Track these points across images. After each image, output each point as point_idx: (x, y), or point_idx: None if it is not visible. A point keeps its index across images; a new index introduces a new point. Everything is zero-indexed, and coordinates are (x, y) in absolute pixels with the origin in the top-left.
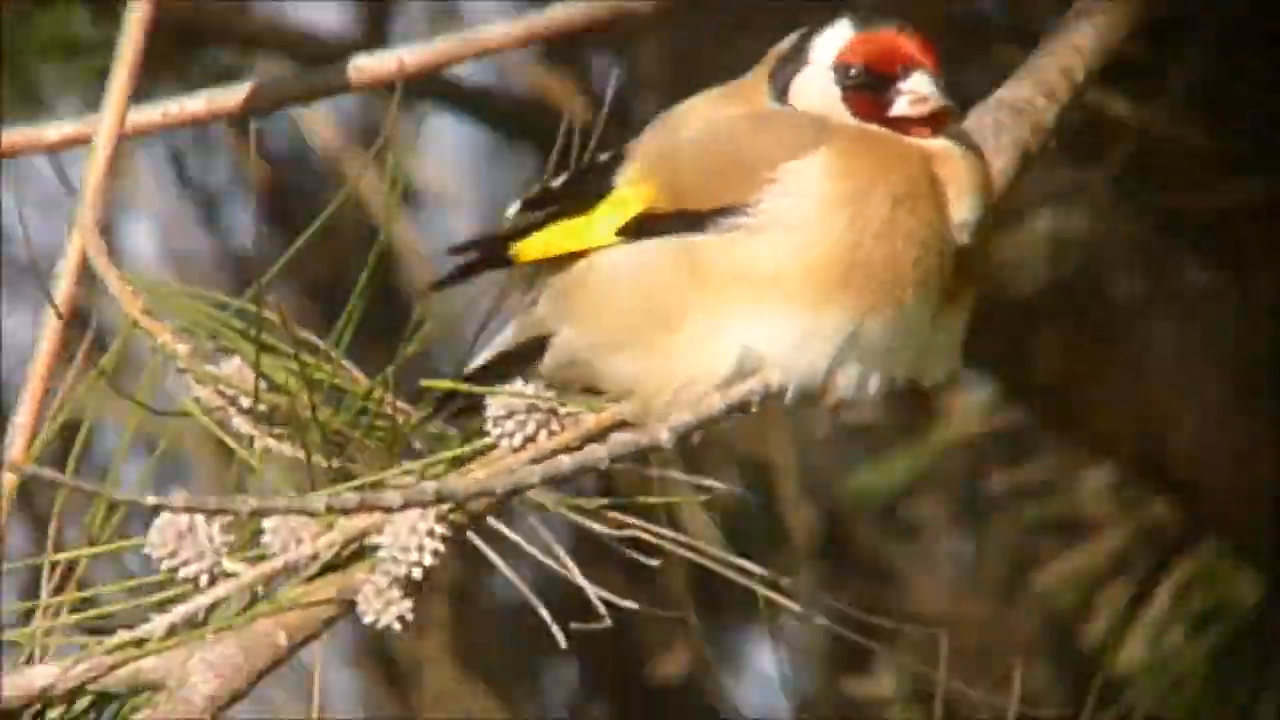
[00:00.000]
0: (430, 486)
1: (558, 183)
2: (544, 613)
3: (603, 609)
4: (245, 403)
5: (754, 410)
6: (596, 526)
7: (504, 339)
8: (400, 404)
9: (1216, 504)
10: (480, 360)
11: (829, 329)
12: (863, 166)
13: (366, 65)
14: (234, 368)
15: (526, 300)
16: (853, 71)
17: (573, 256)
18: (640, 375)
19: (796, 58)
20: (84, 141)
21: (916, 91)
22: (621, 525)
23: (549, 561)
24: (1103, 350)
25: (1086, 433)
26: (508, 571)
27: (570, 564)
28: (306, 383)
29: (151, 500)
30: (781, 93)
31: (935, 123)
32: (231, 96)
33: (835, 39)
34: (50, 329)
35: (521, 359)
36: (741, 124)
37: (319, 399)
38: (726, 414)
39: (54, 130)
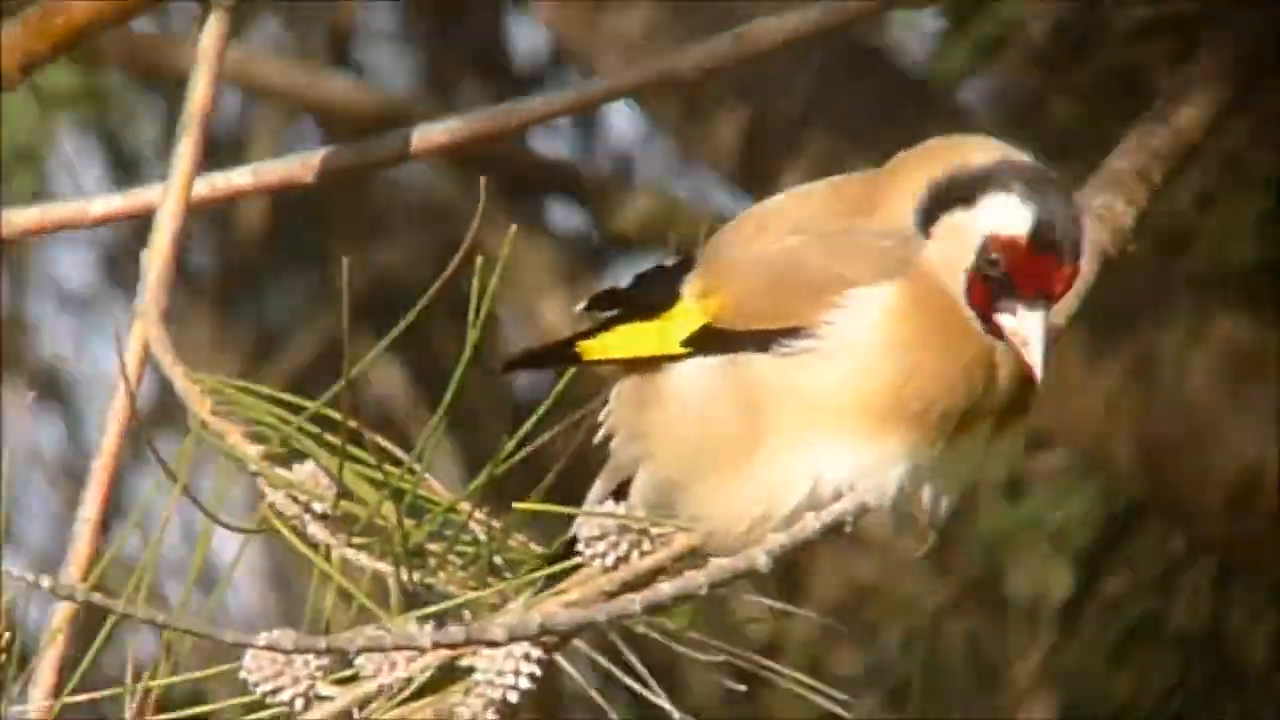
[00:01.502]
0: (535, 621)
1: (624, 284)
2: None
3: None
4: (320, 508)
5: (848, 530)
6: (684, 650)
7: (595, 494)
8: (482, 517)
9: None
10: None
11: (890, 456)
12: (927, 313)
13: (420, 136)
14: (308, 472)
15: (600, 429)
16: (993, 261)
17: (639, 367)
18: (715, 506)
19: (960, 196)
20: (129, 217)
21: (1024, 334)
22: (706, 648)
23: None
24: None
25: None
26: (599, 699)
27: (659, 690)
28: (391, 496)
29: (261, 641)
30: (926, 220)
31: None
32: (281, 168)
33: (1005, 218)
34: (113, 429)
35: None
36: (818, 244)
37: (400, 511)
38: (821, 535)
39: (99, 204)
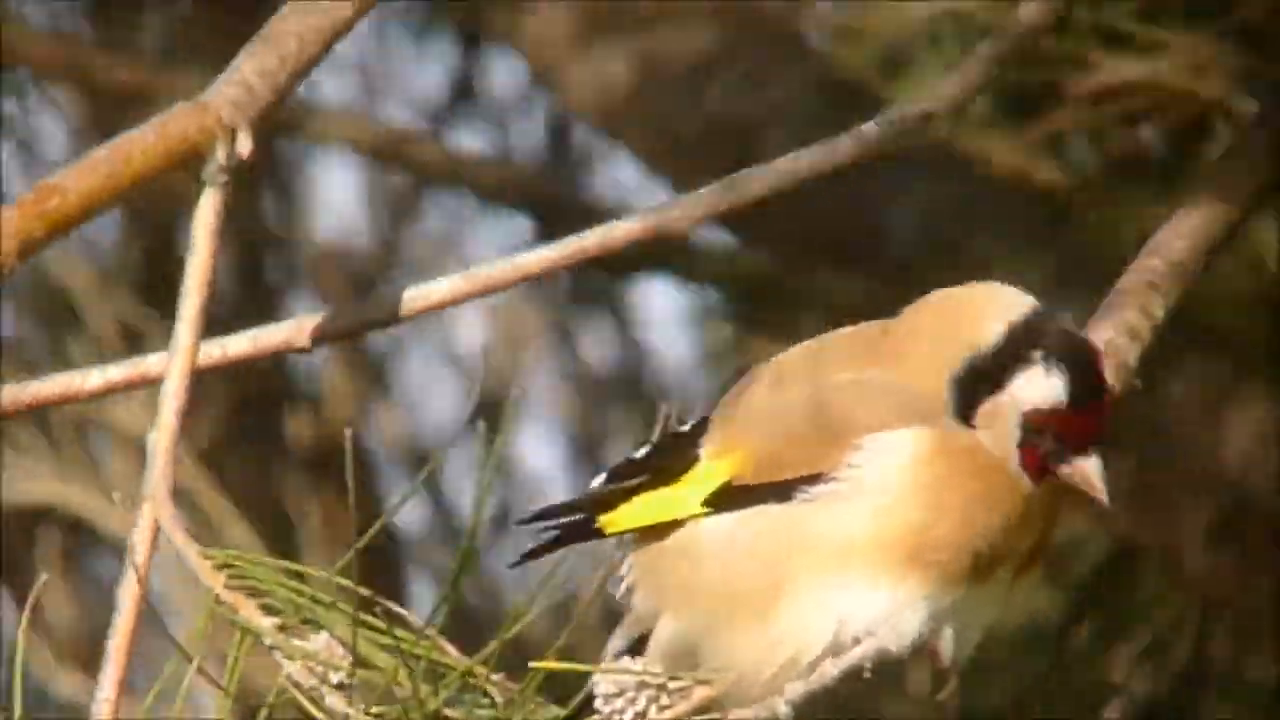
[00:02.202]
0: None
1: (641, 453)
2: None
3: None
4: (336, 678)
5: (866, 677)
6: None
7: (612, 648)
8: (498, 680)
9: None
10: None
11: (912, 598)
12: (952, 457)
13: (417, 295)
14: (323, 642)
15: (621, 587)
16: (1040, 432)
17: (661, 529)
18: (740, 656)
19: (991, 377)
20: (129, 388)
21: (1089, 478)
22: None
23: None
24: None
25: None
26: None
27: None
28: (406, 662)
29: None
30: (966, 406)
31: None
32: (278, 334)
33: (1038, 392)
34: (128, 604)
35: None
36: (839, 393)
37: (417, 677)
38: (841, 682)
39: (96, 377)
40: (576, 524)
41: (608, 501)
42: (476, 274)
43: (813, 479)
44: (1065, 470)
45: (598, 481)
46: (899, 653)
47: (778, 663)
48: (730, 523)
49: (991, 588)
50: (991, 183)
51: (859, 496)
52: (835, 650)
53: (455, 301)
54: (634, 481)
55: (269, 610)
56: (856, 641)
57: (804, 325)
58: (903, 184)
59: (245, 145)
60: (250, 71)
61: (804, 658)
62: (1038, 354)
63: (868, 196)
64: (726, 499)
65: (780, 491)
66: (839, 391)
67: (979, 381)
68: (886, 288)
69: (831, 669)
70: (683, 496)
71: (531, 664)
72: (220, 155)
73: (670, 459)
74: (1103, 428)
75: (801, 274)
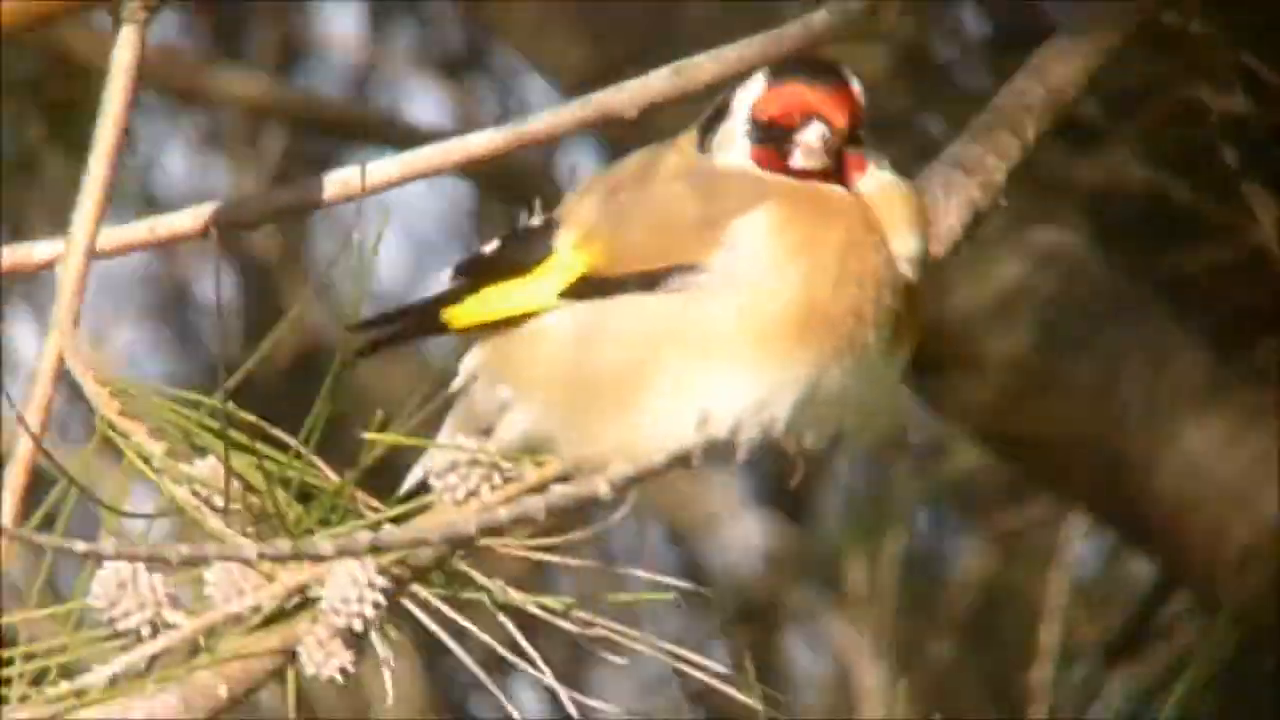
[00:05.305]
0: (364, 536)
1: (489, 248)
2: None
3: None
4: (220, 502)
5: (695, 464)
6: (566, 625)
7: (444, 436)
8: (370, 500)
9: (1194, 555)
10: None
11: (792, 382)
12: (806, 217)
13: (335, 180)
14: (209, 467)
15: (459, 376)
16: (759, 125)
17: (510, 322)
18: (600, 441)
19: (721, 111)
20: None
21: (806, 143)
22: (589, 624)
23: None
24: (1081, 403)
25: (1069, 486)
26: (461, 653)
27: (541, 663)
28: (272, 480)
29: (82, 547)
30: (702, 145)
31: (853, 168)
32: (198, 216)
33: (751, 92)
34: (27, 436)
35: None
36: (683, 184)
37: (289, 496)
38: (667, 467)
39: (45, 248)
40: (419, 317)
41: (454, 296)
42: (419, 156)
43: (679, 269)
44: (795, 157)
45: (444, 276)
46: (771, 436)
47: (634, 450)
48: (592, 310)
49: (866, 363)
50: None
51: (731, 285)
52: (704, 439)
53: (399, 183)
54: (480, 275)
55: (162, 437)
56: (732, 429)
57: None
58: None
59: None
60: None
61: (664, 445)
62: (756, 75)
63: None
64: (585, 291)
65: (645, 281)
66: (688, 184)
67: (712, 120)
68: None
69: (658, 454)
70: (537, 288)
71: (365, 434)
72: None
73: (521, 252)
74: (822, 102)
75: None
